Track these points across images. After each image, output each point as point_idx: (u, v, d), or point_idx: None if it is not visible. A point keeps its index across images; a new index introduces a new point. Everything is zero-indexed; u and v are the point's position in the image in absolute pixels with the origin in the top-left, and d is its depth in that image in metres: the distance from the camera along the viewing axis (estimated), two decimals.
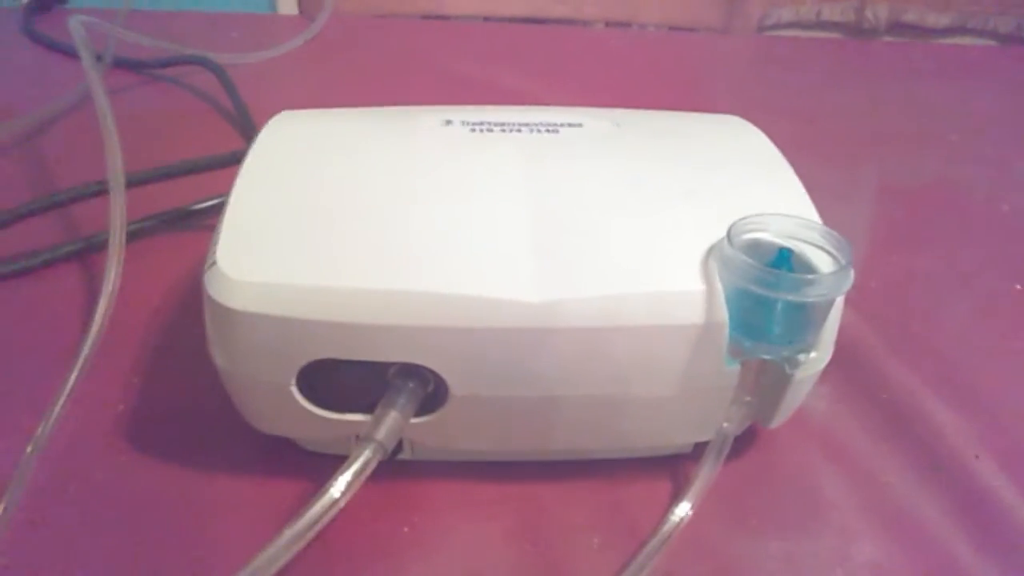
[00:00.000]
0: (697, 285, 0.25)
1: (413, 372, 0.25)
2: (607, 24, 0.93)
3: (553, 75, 0.65)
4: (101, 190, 0.43)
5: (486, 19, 0.93)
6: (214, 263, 0.25)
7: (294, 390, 0.25)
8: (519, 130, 0.32)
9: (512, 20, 0.91)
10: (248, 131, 0.52)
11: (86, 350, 0.31)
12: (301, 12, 0.89)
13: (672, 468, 0.29)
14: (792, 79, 0.68)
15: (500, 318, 0.24)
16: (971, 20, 1.83)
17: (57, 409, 0.29)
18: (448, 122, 0.32)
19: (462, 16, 0.91)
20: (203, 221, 0.43)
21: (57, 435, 0.29)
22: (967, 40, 1.83)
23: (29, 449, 0.28)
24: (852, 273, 0.24)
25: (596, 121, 0.33)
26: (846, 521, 0.28)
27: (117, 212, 0.35)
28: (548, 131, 0.32)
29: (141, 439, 0.30)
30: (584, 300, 0.24)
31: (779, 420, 0.28)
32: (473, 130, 0.32)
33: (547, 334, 0.24)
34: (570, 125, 0.32)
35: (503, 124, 0.32)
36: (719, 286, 0.25)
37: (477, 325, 0.24)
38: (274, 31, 0.72)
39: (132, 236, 0.40)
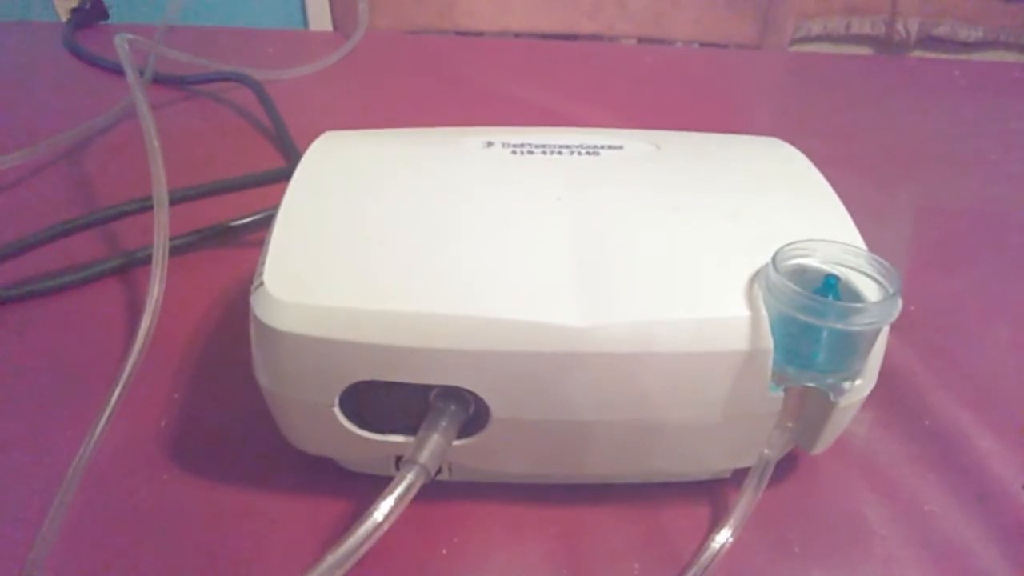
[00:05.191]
0: (742, 311, 0.24)
1: (455, 395, 0.25)
2: (639, 40, 0.93)
3: (586, 92, 0.65)
4: (144, 206, 0.43)
5: (517, 35, 0.93)
6: (261, 284, 0.25)
7: (337, 411, 0.25)
8: (560, 152, 0.32)
9: (544, 36, 0.92)
10: (286, 147, 0.53)
11: (129, 366, 0.32)
12: (335, 29, 0.90)
13: (712, 493, 0.29)
14: (827, 96, 0.68)
15: (543, 342, 0.24)
16: (1003, 34, 1.81)
17: (100, 425, 0.30)
18: (489, 144, 0.32)
19: (494, 32, 0.92)
20: (243, 236, 0.43)
21: (100, 451, 0.29)
22: (999, 54, 1.82)
23: (73, 465, 0.28)
24: (900, 302, 0.24)
25: (637, 143, 0.33)
26: (890, 550, 0.27)
27: (161, 227, 0.36)
28: (589, 153, 0.32)
29: (182, 456, 0.30)
30: (627, 325, 0.24)
31: (822, 447, 0.27)
32: (514, 152, 0.32)
33: (590, 359, 0.24)
34: (611, 147, 0.32)
35: (544, 146, 0.32)
36: (764, 312, 0.24)
37: (519, 349, 0.24)
38: (309, 47, 0.73)
39: (174, 251, 0.40)
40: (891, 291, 0.24)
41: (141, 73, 0.55)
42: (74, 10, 0.74)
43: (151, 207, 0.37)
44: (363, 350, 0.24)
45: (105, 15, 0.76)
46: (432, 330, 0.24)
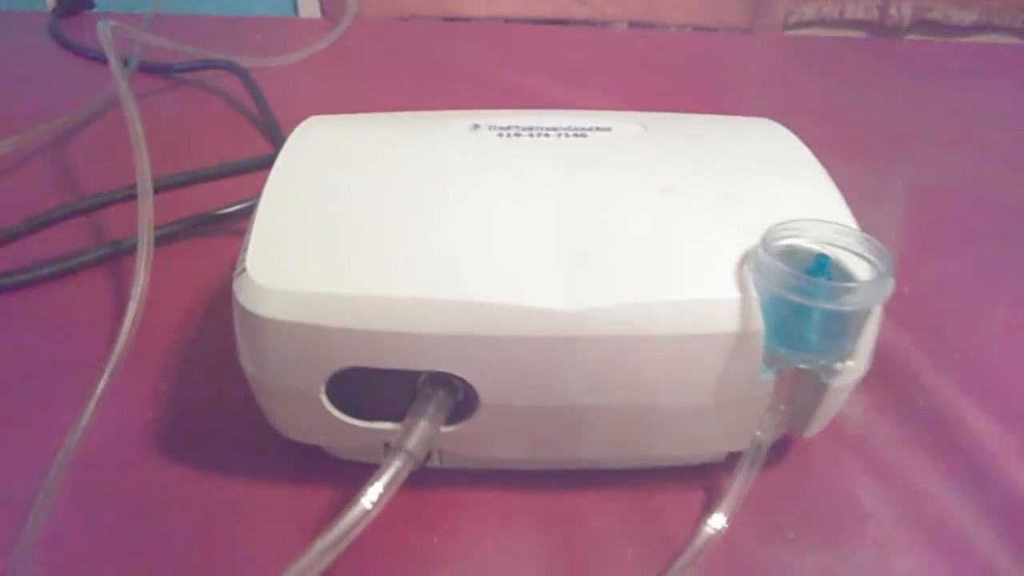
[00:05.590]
0: (732, 293, 0.24)
1: (443, 380, 0.25)
2: (630, 25, 0.92)
3: (577, 77, 0.65)
4: (129, 195, 0.43)
5: (507, 21, 0.93)
6: (244, 270, 0.25)
7: (323, 398, 0.25)
8: (547, 134, 0.31)
9: (534, 21, 0.91)
10: (273, 134, 0.52)
11: (115, 356, 0.31)
12: (324, 15, 0.89)
13: (705, 477, 0.29)
14: (819, 79, 0.67)
15: (531, 326, 0.24)
16: (996, 17, 1.81)
17: (86, 416, 0.29)
18: (476, 126, 0.32)
19: (484, 18, 0.91)
20: (229, 225, 0.43)
21: (86, 442, 0.29)
22: (993, 38, 1.81)
23: (59, 456, 0.28)
24: (892, 281, 0.23)
25: (625, 124, 0.33)
26: (885, 533, 0.27)
27: (145, 217, 0.35)
28: (576, 135, 0.31)
29: (170, 446, 0.30)
30: (616, 308, 0.24)
31: (814, 429, 0.27)
32: (501, 135, 0.31)
33: (579, 343, 0.24)
34: (598, 129, 0.32)
35: (531, 128, 0.32)
36: (754, 294, 0.24)
37: (507, 334, 0.24)
38: (297, 34, 0.72)
39: (159, 240, 0.40)
40: (883, 270, 0.24)
41: (126, 62, 0.54)
42: None
43: (136, 196, 0.36)
44: (349, 336, 0.24)
45: (91, 3, 0.75)
46: (418, 315, 0.24)
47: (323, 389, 0.25)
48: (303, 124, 0.32)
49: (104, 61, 0.44)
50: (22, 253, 0.40)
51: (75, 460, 0.28)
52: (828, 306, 0.23)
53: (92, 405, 0.30)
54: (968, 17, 1.80)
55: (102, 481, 0.28)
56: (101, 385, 0.30)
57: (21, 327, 0.36)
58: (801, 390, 0.26)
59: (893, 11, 1.78)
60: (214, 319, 0.36)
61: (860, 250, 0.25)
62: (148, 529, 0.27)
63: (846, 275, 0.24)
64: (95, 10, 0.76)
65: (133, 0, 0.74)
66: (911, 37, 1.82)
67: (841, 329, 0.24)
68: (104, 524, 0.27)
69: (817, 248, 0.25)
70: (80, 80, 0.62)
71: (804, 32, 1.83)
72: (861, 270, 0.24)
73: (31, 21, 0.73)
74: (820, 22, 1.84)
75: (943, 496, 0.28)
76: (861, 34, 1.87)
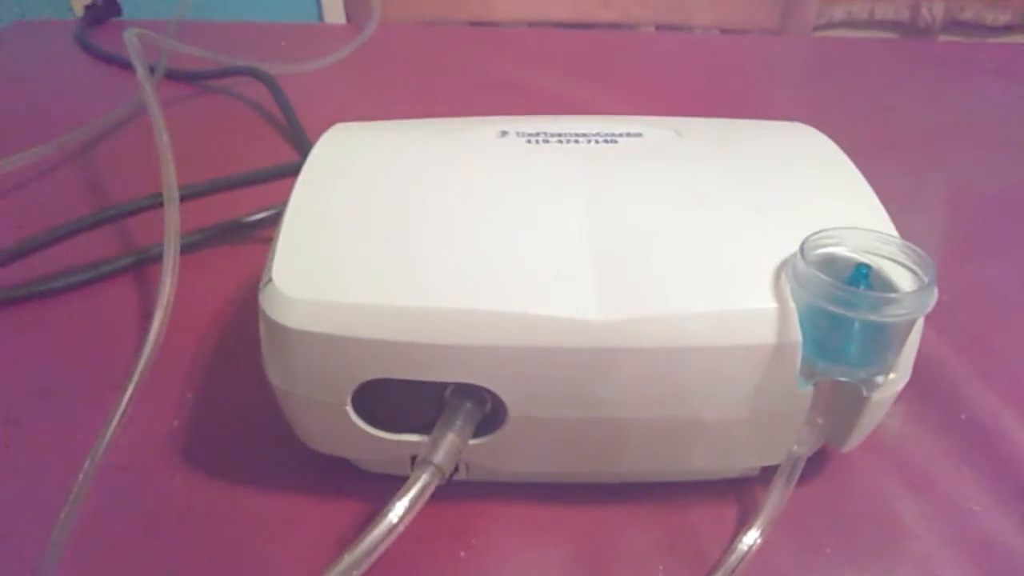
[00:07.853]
0: (769, 303, 0.23)
1: (470, 392, 0.24)
2: (657, 27, 0.92)
3: (604, 81, 0.64)
4: (155, 203, 0.43)
5: (532, 24, 0.92)
6: (270, 281, 0.24)
7: (349, 410, 0.25)
8: (576, 141, 0.31)
9: (560, 25, 0.91)
10: (299, 141, 0.52)
11: (141, 365, 0.31)
12: (349, 21, 0.89)
13: (739, 492, 0.28)
14: (852, 81, 0.66)
15: (561, 338, 0.23)
16: None
17: (113, 424, 0.29)
18: (504, 133, 0.31)
19: (509, 22, 0.91)
20: (256, 233, 0.43)
21: (113, 451, 0.29)
22: None
23: (86, 465, 0.27)
24: (935, 291, 0.22)
25: (656, 130, 0.32)
26: (927, 550, 0.26)
27: (171, 225, 0.35)
28: (607, 141, 0.31)
29: (195, 456, 0.29)
30: (650, 319, 0.23)
31: (853, 443, 0.26)
32: (529, 141, 0.31)
33: (611, 354, 0.23)
34: (629, 135, 0.31)
35: (560, 135, 0.31)
36: (792, 304, 0.23)
37: (537, 345, 0.23)
38: (323, 41, 0.72)
39: (185, 248, 0.40)
40: (926, 280, 0.23)
41: (153, 69, 0.55)
42: (87, 7, 0.74)
43: (163, 204, 0.36)
44: (375, 347, 0.23)
45: (118, 11, 0.76)
46: (446, 326, 0.23)
47: (349, 401, 0.25)
48: (328, 132, 0.32)
49: (131, 68, 0.44)
50: (50, 261, 0.40)
51: (101, 467, 0.28)
52: (869, 317, 0.22)
53: (119, 414, 0.29)
54: (1002, 17, 1.77)
55: (127, 490, 0.28)
56: (127, 394, 0.30)
57: (48, 335, 0.36)
58: (840, 403, 0.25)
59: (924, 11, 1.76)
60: (240, 327, 0.36)
61: (902, 259, 0.24)
62: (172, 540, 0.26)
63: (888, 285, 0.24)
64: (122, 18, 0.76)
65: (160, 7, 0.74)
66: (943, 38, 1.80)
67: (883, 341, 0.23)
68: (129, 532, 0.27)
69: (857, 257, 0.24)
70: (108, 88, 0.62)
71: (833, 33, 1.81)
72: (903, 280, 0.24)
73: (59, 29, 0.74)
74: (849, 23, 1.82)
75: (986, 511, 0.28)
76: (892, 35, 1.85)
